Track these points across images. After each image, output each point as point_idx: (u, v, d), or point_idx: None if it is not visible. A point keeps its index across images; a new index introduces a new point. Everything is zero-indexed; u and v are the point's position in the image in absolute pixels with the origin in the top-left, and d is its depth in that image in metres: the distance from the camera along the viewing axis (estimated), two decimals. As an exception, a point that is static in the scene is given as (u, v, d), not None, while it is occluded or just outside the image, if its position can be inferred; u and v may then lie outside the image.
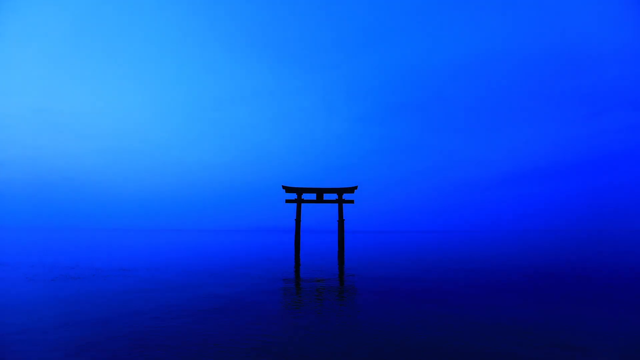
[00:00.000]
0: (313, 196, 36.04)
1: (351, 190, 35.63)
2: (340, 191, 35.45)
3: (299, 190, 35.89)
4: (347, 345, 6.12)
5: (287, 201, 36.33)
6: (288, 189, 36.12)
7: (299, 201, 35.88)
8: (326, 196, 35.93)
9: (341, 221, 35.71)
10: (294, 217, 36.66)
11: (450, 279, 14.86)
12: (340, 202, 35.30)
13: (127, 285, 12.86)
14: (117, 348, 5.91)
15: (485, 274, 16.65)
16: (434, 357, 5.57)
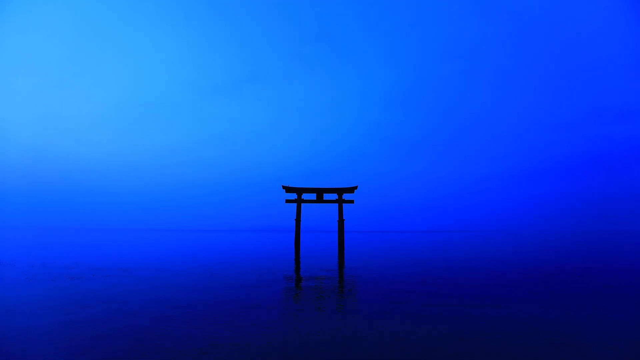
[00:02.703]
0: (313, 196, 36.06)
1: (351, 190, 35.65)
2: (340, 191, 35.46)
3: (299, 190, 35.89)
4: (348, 345, 6.11)
5: (287, 201, 36.34)
6: (288, 189, 36.13)
7: (299, 201, 35.88)
8: (326, 196, 35.95)
9: (341, 221, 35.72)
10: (294, 217, 36.68)
11: (450, 278, 14.86)
12: (340, 202, 35.30)
13: (127, 285, 12.85)
14: (117, 348, 5.90)
15: (485, 273, 16.65)
16: (434, 356, 5.56)
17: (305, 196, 36.26)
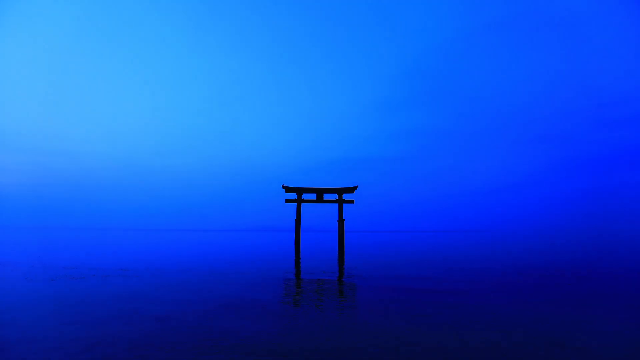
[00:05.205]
0: (313, 196, 36.03)
1: (351, 190, 35.62)
2: (340, 191, 35.43)
3: (299, 190, 35.86)
4: (347, 345, 6.11)
5: (287, 201, 36.31)
6: (288, 189, 36.10)
7: (299, 201, 35.85)
8: (326, 196, 35.92)
9: (341, 221, 35.69)
10: (294, 217, 36.66)
11: (449, 278, 14.85)
12: (340, 202, 35.27)
13: (126, 285, 12.85)
14: (117, 348, 5.90)
15: (484, 273, 16.64)
16: (433, 356, 5.56)
17: (305, 196, 36.23)
